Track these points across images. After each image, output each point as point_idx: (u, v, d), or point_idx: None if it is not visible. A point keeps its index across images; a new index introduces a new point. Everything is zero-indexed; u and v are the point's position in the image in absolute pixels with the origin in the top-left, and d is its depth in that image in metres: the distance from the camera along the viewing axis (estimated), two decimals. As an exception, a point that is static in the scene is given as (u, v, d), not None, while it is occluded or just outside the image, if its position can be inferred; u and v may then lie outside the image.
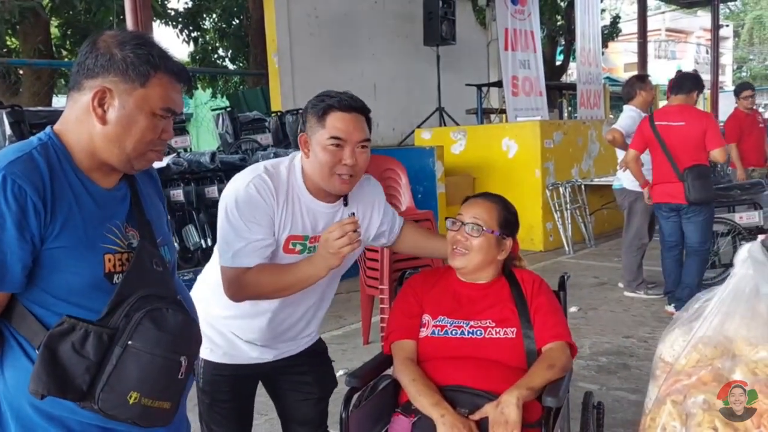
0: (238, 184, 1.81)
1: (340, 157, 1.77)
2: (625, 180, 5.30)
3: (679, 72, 5.35)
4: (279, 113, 8.44)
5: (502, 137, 7.79)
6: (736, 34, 41.00)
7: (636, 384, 3.63)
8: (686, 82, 4.73)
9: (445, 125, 9.43)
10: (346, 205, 1.91)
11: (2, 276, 1.18)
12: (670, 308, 4.85)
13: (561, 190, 7.50)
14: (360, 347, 4.42)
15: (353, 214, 1.74)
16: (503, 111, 9.99)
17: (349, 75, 9.99)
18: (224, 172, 6.21)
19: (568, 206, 7.49)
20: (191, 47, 13.18)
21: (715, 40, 15.85)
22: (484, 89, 10.48)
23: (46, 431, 1.25)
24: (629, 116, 5.25)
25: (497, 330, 1.89)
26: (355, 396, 1.86)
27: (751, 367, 1.30)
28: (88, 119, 1.28)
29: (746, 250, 1.38)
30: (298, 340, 2.04)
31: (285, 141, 8.03)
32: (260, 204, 1.77)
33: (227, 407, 2.00)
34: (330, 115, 1.77)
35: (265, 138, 7.93)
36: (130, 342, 1.20)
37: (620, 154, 5.41)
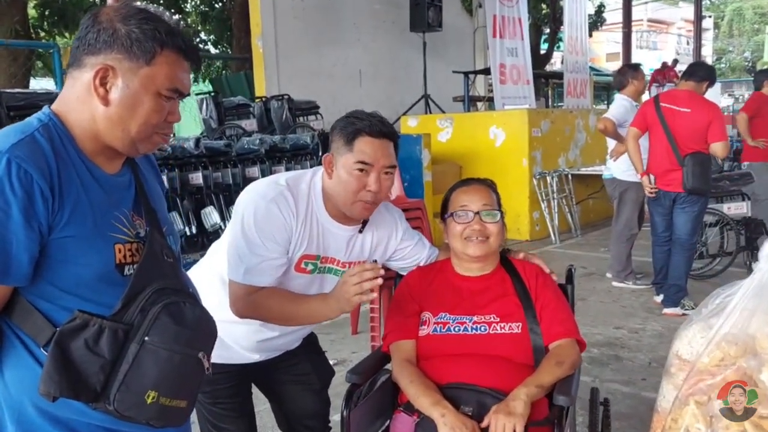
0: (258, 198, 1.72)
1: (365, 182, 1.72)
2: (615, 170, 5.27)
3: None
4: (264, 99, 8.31)
5: (489, 125, 7.74)
6: (716, 26, 41.38)
7: (629, 376, 3.61)
8: (699, 71, 4.61)
9: (430, 113, 9.37)
10: (361, 231, 1.86)
11: (7, 267, 1.09)
12: (658, 299, 4.84)
13: (548, 179, 7.48)
14: (348, 337, 4.36)
15: (376, 261, 1.68)
16: (490, 99, 9.94)
17: (333, 60, 9.87)
18: (208, 158, 6.08)
19: (554, 196, 7.47)
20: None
21: (698, 31, 15.97)
22: (471, 77, 10.41)
23: None
24: (621, 105, 5.20)
25: (502, 325, 1.83)
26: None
27: (779, 366, 1.26)
28: (89, 99, 1.18)
29: (771, 244, 1.33)
30: (292, 343, 2.00)
31: (270, 127, 7.92)
32: (281, 223, 1.71)
33: (231, 403, 1.94)
34: (359, 139, 1.71)
35: (250, 124, 7.81)
36: (147, 338, 1.12)
37: (610, 143, 5.38)
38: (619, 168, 5.18)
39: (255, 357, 1.92)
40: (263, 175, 6.49)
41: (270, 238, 1.69)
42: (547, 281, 1.92)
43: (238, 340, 1.87)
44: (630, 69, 5.38)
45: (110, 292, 1.16)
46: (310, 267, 1.81)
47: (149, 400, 1.12)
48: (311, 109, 8.48)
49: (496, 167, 7.40)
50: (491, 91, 9.62)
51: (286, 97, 8.06)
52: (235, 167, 6.30)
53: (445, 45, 10.77)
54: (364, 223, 1.86)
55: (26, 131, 1.14)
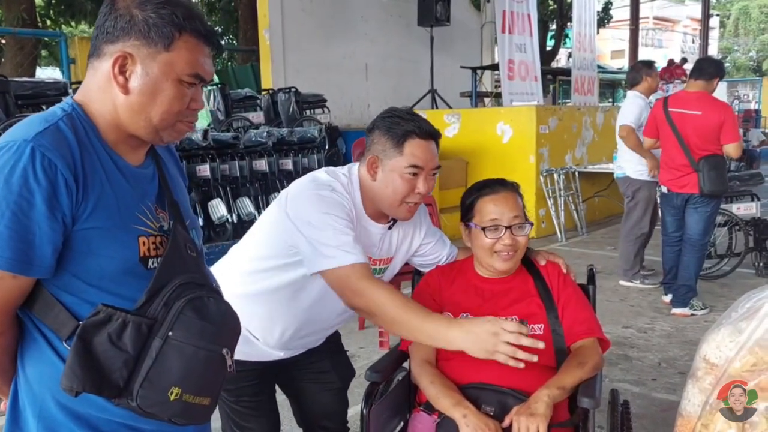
0: (318, 193, 1.68)
1: (415, 185, 1.70)
2: (628, 168, 5.24)
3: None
4: (271, 91, 8.28)
5: (496, 121, 7.70)
6: (722, 25, 41.20)
7: (638, 376, 3.60)
8: (708, 68, 4.51)
9: (437, 108, 9.34)
10: (391, 228, 1.84)
11: (30, 259, 1.06)
12: (667, 298, 4.83)
13: (555, 176, 7.45)
14: (355, 332, 4.35)
15: (525, 323, 1.64)
16: (497, 95, 9.91)
17: (341, 54, 9.84)
18: (216, 150, 6.06)
19: (561, 193, 7.45)
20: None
21: (705, 29, 15.90)
22: (478, 72, 10.37)
23: (70, 430, 1.15)
24: (636, 104, 5.15)
25: None
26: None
27: (815, 374, 1.24)
28: (110, 88, 1.15)
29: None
30: (317, 341, 1.98)
31: (277, 120, 7.90)
32: (347, 209, 1.69)
33: (255, 401, 1.92)
34: (409, 141, 1.69)
35: (257, 116, 7.79)
36: (170, 333, 1.10)
37: (621, 142, 5.34)
38: (632, 166, 5.16)
39: (279, 354, 1.90)
40: (270, 169, 6.48)
41: (345, 220, 1.65)
42: (568, 281, 1.90)
43: (265, 339, 1.84)
44: (644, 66, 5.34)
45: (134, 286, 1.14)
46: None
47: (173, 397, 1.10)
48: (318, 102, 8.45)
49: (503, 164, 7.38)
50: (498, 86, 9.59)
51: (293, 89, 8.03)
52: (242, 160, 6.29)
53: (453, 40, 10.73)
54: (394, 220, 1.83)
55: (50, 120, 1.12)
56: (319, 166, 6.62)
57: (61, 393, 1.09)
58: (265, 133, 6.51)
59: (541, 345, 1.43)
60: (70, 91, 6.37)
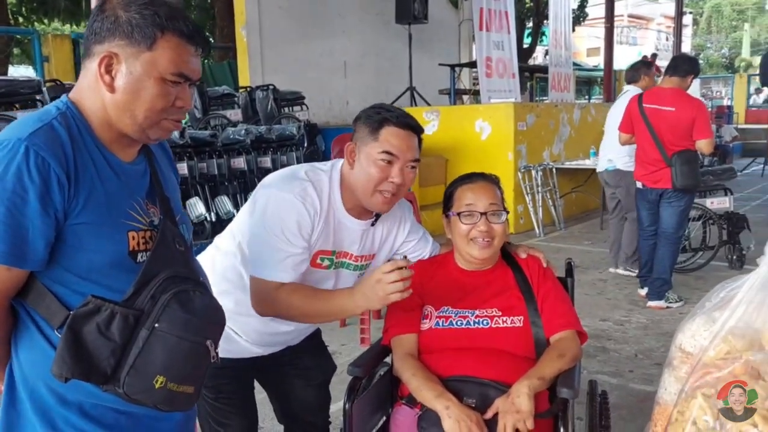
0: (281, 193, 1.70)
1: (388, 173, 1.70)
2: (618, 161, 5.31)
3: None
4: (249, 89, 8.24)
5: (475, 118, 7.76)
6: (695, 22, 41.84)
7: (616, 367, 3.66)
8: (683, 65, 4.59)
9: (416, 105, 9.36)
10: (374, 224, 1.85)
11: (24, 253, 1.12)
12: (643, 291, 4.91)
13: (533, 173, 7.53)
14: (337, 329, 4.35)
15: (405, 257, 1.66)
16: (476, 92, 9.96)
17: (318, 51, 9.82)
18: (193, 148, 6.02)
19: (539, 189, 7.52)
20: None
21: (678, 27, 16.11)
22: (457, 69, 10.42)
23: (61, 414, 1.20)
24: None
25: (504, 319, 1.83)
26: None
27: (786, 360, 1.28)
28: (98, 87, 1.21)
29: (781, 238, 1.35)
30: (297, 338, 1.98)
31: (255, 117, 7.87)
32: (305, 219, 1.69)
33: (233, 399, 1.92)
34: (385, 128, 1.70)
35: (235, 114, 7.76)
36: (156, 324, 1.15)
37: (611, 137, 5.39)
38: (622, 159, 5.24)
39: (258, 351, 1.91)
40: (249, 167, 6.46)
41: (295, 233, 1.68)
42: (547, 274, 1.93)
43: (245, 332, 1.85)
44: (644, 66, 5.49)
45: (123, 279, 1.19)
46: (326, 262, 1.80)
47: (158, 385, 1.15)
48: (297, 99, 8.43)
49: (482, 160, 7.42)
50: (476, 84, 9.64)
51: (271, 87, 8.01)
52: (220, 158, 6.26)
53: (431, 37, 10.76)
54: (377, 216, 1.85)
55: (44, 119, 1.17)
56: (298, 164, 6.65)
57: (52, 378, 1.14)
58: (243, 131, 6.48)
59: (411, 263, 1.60)
60: (44, 89, 6.29)
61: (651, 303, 4.72)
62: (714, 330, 1.42)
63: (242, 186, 6.41)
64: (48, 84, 6.38)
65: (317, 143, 7.44)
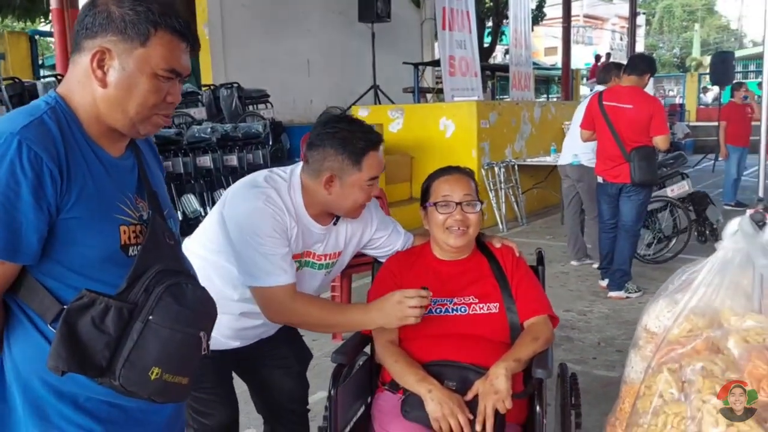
0: (247, 204, 1.78)
1: (371, 192, 1.85)
2: (583, 157, 5.47)
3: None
4: (213, 87, 8.19)
5: (439, 117, 7.87)
6: (648, 22, 42.94)
7: (580, 355, 3.80)
8: (640, 64, 4.79)
9: (380, 103, 9.43)
10: (335, 224, 1.95)
11: (17, 247, 1.12)
12: (604, 283, 5.08)
13: (496, 169, 7.68)
14: (308, 325, 4.38)
15: (426, 288, 1.77)
16: (439, 90, 10.08)
17: (282, 50, 9.82)
18: (159, 147, 5.94)
19: (502, 186, 7.68)
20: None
21: (632, 27, 16.56)
22: (420, 68, 10.53)
23: (55, 408, 1.20)
24: None
25: (480, 306, 1.92)
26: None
27: (742, 335, 1.39)
28: (89, 82, 1.21)
29: (736, 224, 1.45)
30: (270, 331, 2.04)
31: (219, 115, 7.83)
32: (278, 221, 1.77)
33: (215, 389, 1.97)
34: (368, 155, 1.80)
35: (199, 112, 7.71)
36: (150, 317, 1.16)
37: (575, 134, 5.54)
38: (586, 155, 5.40)
39: (234, 344, 1.96)
40: (215, 165, 6.44)
41: (273, 235, 1.75)
42: (520, 263, 2.03)
43: (218, 328, 1.90)
44: (615, 68, 5.61)
45: (115, 272, 1.20)
46: (296, 265, 1.87)
47: (153, 376, 1.16)
48: (261, 97, 8.42)
49: (446, 158, 7.45)
50: (439, 82, 9.75)
51: (235, 85, 7.98)
52: (186, 156, 6.22)
53: (394, 36, 10.85)
54: (338, 217, 1.94)
55: (34, 114, 1.16)
56: (264, 162, 6.67)
57: (46, 372, 1.15)
58: (209, 129, 6.46)
59: (431, 295, 1.76)
60: (2, 87, 6.16)
61: (612, 293, 4.89)
62: (676, 311, 1.52)
63: (209, 184, 6.39)
64: (6, 82, 6.26)
65: (282, 141, 7.46)
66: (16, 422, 1.21)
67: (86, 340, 1.13)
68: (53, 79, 6.46)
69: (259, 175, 1.87)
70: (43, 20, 11.53)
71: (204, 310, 1.28)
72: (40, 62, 12.38)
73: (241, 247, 1.76)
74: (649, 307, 1.70)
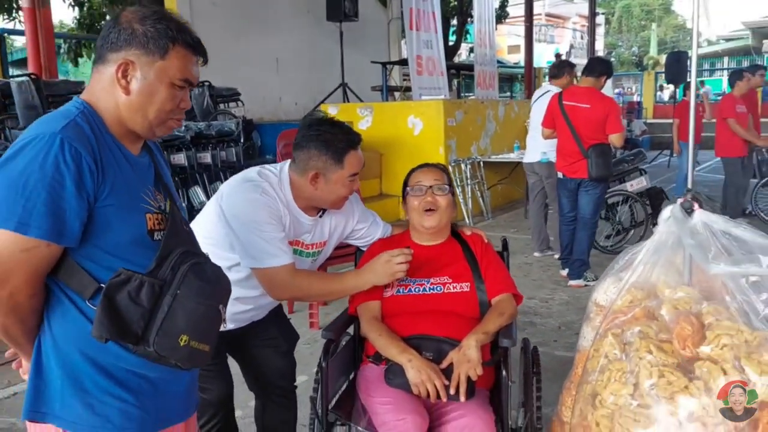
0: (243, 195, 2.00)
1: (353, 187, 2.11)
2: (551, 155, 5.71)
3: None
4: (184, 85, 8.24)
5: (408, 115, 8.11)
6: (607, 22, 43.90)
7: (542, 338, 4.08)
8: (598, 67, 5.11)
9: (348, 101, 9.62)
10: (321, 216, 2.18)
11: (63, 230, 1.27)
12: (564, 272, 5.40)
13: (462, 166, 7.96)
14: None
15: (408, 247, 2.05)
16: (407, 89, 10.31)
17: (252, 48, 9.91)
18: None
19: (468, 182, 7.97)
20: (76, 12, 12.44)
21: (592, 26, 17.05)
22: (388, 67, 10.74)
23: (92, 377, 1.36)
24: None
25: (454, 285, 2.17)
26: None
27: (673, 303, 1.66)
28: (113, 90, 1.37)
29: (669, 211, 1.72)
30: (261, 314, 2.26)
31: (191, 113, 7.90)
32: (274, 209, 2.00)
33: (213, 364, 2.14)
34: (347, 156, 2.03)
35: (172, 111, 7.75)
36: (178, 291, 1.32)
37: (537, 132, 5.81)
38: (554, 152, 5.66)
39: (229, 326, 2.16)
40: (189, 162, 6.54)
41: (270, 221, 1.98)
42: (488, 248, 2.29)
43: None
44: (567, 65, 5.95)
45: (143, 254, 1.36)
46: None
47: (182, 343, 1.32)
48: (232, 95, 8.52)
49: (415, 155, 7.77)
50: (406, 80, 9.97)
51: (207, 83, 8.07)
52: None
53: (361, 35, 11.03)
54: (323, 210, 2.18)
55: (69, 117, 1.33)
56: (237, 159, 6.80)
57: (86, 345, 1.32)
58: (183, 127, 6.55)
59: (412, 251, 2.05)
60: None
61: (571, 282, 5.21)
62: (620, 286, 1.79)
63: (183, 182, 6.49)
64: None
65: (254, 139, 7.58)
66: (51, 396, 1.34)
67: (124, 311, 1.28)
68: (26, 78, 6.45)
69: (252, 171, 2.10)
70: (6, 17, 11.38)
71: (221, 285, 1.45)
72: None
73: (243, 234, 1.97)
74: (598, 284, 1.97)
